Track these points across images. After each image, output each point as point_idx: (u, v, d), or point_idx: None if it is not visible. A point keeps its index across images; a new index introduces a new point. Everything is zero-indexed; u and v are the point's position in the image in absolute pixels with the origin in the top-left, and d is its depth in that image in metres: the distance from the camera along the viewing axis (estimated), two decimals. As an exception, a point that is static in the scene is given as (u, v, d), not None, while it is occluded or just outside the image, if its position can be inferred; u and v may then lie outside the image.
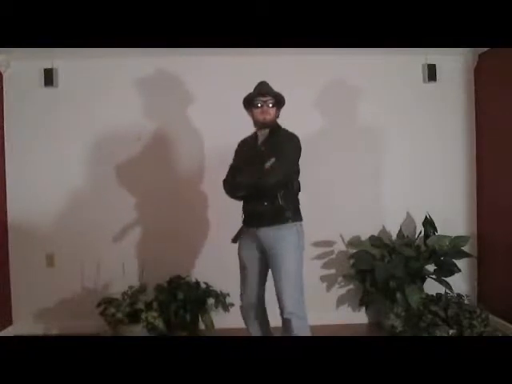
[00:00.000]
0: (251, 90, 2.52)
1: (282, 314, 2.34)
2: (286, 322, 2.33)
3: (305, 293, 2.41)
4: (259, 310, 2.55)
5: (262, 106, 2.43)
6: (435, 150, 3.57)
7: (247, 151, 2.54)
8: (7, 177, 3.43)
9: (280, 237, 2.36)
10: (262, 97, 2.44)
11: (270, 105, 2.44)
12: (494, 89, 3.37)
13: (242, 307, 2.56)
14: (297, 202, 2.48)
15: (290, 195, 2.41)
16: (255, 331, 2.55)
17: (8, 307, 3.43)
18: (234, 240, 2.56)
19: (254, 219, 2.44)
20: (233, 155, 2.63)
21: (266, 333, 2.59)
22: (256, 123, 2.50)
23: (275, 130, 2.49)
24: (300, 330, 2.32)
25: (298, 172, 2.48)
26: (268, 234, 2.38)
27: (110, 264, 3.39)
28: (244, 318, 2.56)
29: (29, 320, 3.43)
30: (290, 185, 2.41)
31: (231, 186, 2.47)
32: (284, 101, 2.51)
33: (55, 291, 3.43)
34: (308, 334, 2.38)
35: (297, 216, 2.44)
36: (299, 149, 2.44)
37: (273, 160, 2.31)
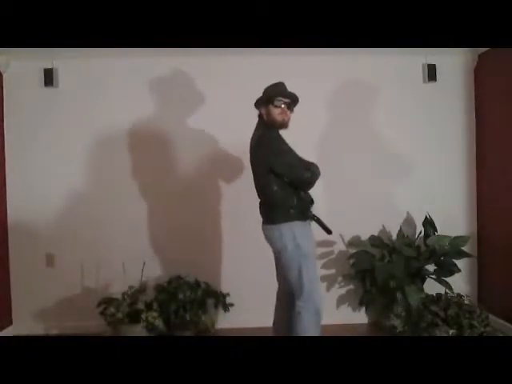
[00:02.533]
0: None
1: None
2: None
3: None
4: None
5: (282, 106, 2.45)
6: (435, 150, 3.58)
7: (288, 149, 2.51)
8: (7, 176, 3.43)
9: None
10: (283, 97, 2.45)
11: (288, 106, 2.47)
12: (494, 89, 3.37)
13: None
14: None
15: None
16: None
17: (8, 307, 3.43)
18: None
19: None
20: (279, 145, 2.49)
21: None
22: (273, 123, 2.47)
23: None
24: None
25: None
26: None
27: (110, 264, 3.39)
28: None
29: (29, 320, 3.43)
30: None
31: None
32: (296, 104, 2.54)
33: (55, 291, 3.43)
34: None
35: None
36: None
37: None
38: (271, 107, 2.45)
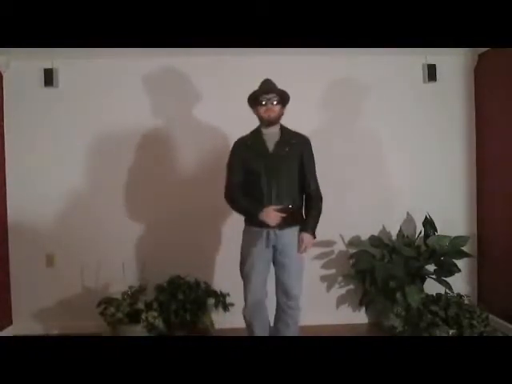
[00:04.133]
0: (252, 89, 2.53)
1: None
2: (292, 317, 2.55)
3: (302, 292, 2.59)
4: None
5: (266, 103, 2.46)
6: (435, 150, 3.58)
7: (255, 152, 2.50)
8: (7, 177, 3.43)
9: (290, 237, 2.50)
10: (266, 94, 2.46)
11: (275, 102, 2.47)
12: (494, 89, 3.37)
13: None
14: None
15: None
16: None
17: (8, 307, 3.43)
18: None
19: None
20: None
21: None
22: (261, 121, 2.52)
23: (285, 130, 2.54)
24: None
25: None
26: (282, 234, 2.48)
27: (110, 264, 3.39)
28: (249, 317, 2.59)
29: (29, 320, 3.43)
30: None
31: (233, 204, 2.58)
32: (288, 98, 2.54)
33: (55, 291, 3.43)
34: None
35: (300, 218, 2.59)
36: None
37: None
38: (258, 106, 2.49)
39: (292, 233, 2.48)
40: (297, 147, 2.52)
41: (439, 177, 3.58)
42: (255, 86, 2.56)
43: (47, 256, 3.45)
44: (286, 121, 2.60)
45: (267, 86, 2.50)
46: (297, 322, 2.56)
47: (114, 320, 2.97)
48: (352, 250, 3.50)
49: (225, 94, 3.44)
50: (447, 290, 3.14)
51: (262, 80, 2.59)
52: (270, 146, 2.50)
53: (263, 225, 2.44)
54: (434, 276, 3.25)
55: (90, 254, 3.43)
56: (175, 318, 3.13)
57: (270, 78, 2.58)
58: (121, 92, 3.44)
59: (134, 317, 2.99)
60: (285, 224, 2.44)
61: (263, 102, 2.46)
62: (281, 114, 2.52)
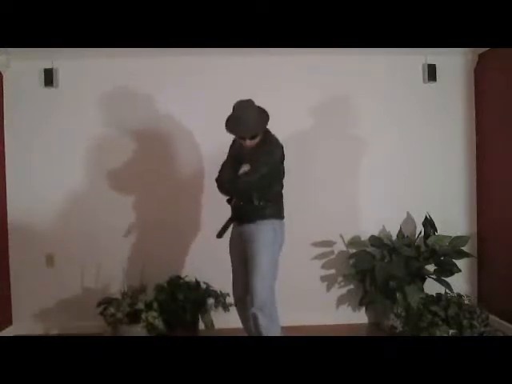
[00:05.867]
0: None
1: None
2: (252, 318, 2.39)
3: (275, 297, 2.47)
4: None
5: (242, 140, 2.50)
6: (435, 150, 3.57)
7: (235, 152, 2.60)
8: (7, 177, 3.43)
9: (253, 232, 2.46)
10: (239, 138, 2.50)
11: (249, 138, 2.46)
12: (494, 89, 3.36)
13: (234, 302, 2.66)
14: (276, 200, 2.53)
15: (267, 195, 2.48)
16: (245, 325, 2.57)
17: (8, 307, 3.43)
18: (219, 235, 2.63)
19: (236, 215, 2.58)
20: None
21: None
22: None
23: (263, 139, 2.51)
24: (268, 330, 2.36)
25: (280, 174, 2.54)
26: (244, 229, 2.51)
27: (110, 264, 3.39)
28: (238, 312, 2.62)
29: (29, 320, 3.43)
30: (267, 186, 2.47)
31: (217, 183, 2.58)
32: (264, 125, 2.48)
33: (55, 291, 3.43)
34: (277, 334, 2.41)
35: (274, 214, 2.50)
36: (277, 155, 2.47)
37: (246, 168, 2.43)
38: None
39: (253, 228, 2.46)
40: (259, 152, 2.54)
41: (439, 177, 3.58)
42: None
43: (47, 256, 3.45)
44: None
45: (238, 129, 2.46)
46: (258, 325, 2.38)
47: (114, 320, 2.97)
48: (352, 250, 3.50)
49: (224, 94, 3.43)
50: (447, 290, 3.14)
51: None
52: (246, 150, 2.59)
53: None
54: (434, 276, 3.25)
55: (90, 254, 3.43)
56: (175, 318, 3.13)
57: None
58: (121, 92, 3.44)
59: (133, 317, 2.98)
60: (242, 217, 2.52)
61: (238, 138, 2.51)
62: (258, 139, 2.49)
